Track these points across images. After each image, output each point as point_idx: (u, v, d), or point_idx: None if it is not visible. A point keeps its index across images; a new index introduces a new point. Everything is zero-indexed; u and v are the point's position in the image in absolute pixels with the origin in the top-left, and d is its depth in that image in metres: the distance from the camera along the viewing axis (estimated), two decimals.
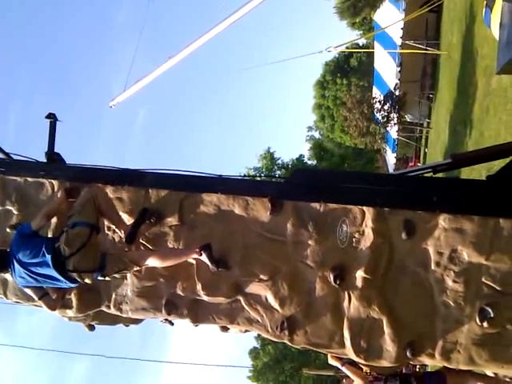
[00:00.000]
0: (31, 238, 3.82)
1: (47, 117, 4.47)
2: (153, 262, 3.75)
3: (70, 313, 4.21)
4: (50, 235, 4.03)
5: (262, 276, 3.76)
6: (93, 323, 4.44)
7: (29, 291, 4.00)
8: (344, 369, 4.37)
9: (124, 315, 4.15)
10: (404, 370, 5.02)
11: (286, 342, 3.79)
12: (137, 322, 4.47)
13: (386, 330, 3.52)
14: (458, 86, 16.81)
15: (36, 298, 4.01)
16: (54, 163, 4.37)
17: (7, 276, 4.27)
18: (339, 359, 4.25)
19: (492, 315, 3.27)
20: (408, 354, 3.48)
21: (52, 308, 4.04)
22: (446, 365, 3.57)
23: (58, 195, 4.03)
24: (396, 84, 26.15)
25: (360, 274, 3.53)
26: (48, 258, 3.65)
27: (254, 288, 3.80)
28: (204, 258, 3.62)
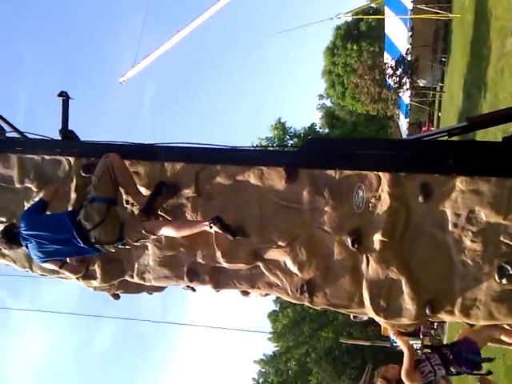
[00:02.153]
0: (45, 212, 4.02)
1: (59, 95, 4.49)
2: (167, 231, 3.86)
3: (95, 283, 4.32)
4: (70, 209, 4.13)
5: (280, 242, 3.82)
6: (117, 292, 4.56)
7: (48, 265, 4.15)
8: (398, 340, 4.63)
9: (147, 284, 4.26)
10: (422, 327, 5.22)
11: (307, 303, 3.88)
12: (160, 289, 4.59)
13: (405, 289, 3.58)
14: (471, 49, 16.47)
15: (57, 268, 4.15)
16: (68, 140, 4.42)
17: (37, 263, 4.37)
18: (399, 332, 4.42)
19: (511, 272, 3.31)
20: (427, 311, 3.55)
21: (76, 272, 4.24)
22: (466, 321, 3.64)
23: (74, 172, 4.13)
24: (408, 49, 25.65)
25: (377, 238, 3.57)
26: (72, 230, 3.82)
27: (273, 254, 3.87)
28: (216, 229, 3.69)
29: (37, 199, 4.18)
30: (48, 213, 4.09)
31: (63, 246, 3.96)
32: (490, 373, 4.80)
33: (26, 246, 4.03)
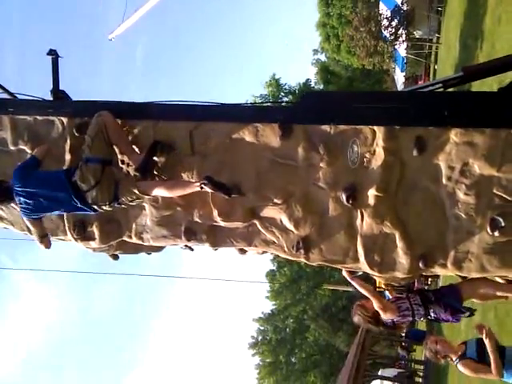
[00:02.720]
0: (38, 169, 3.99)
1: (48, 53, 4.39)
2: (161, 192, 3.88)
3: (94, 244, 4.35)
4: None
5: (275, 200, 3.85)
6: (116, 253, 4.61)
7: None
8: (354, 283, 4.49)
9: (146, 244, 4.30)
10: (416, 283, 5.23)
11: (303, 260, 3.94)
12: (158, 249, 4.63)
13: (399, 243, 3.63)
14: None
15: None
16: (60, 100, 4.36)
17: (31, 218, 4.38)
18: (350, 273, 4.35)
19: (503, 224, 3.36)
20: (421, 265, 3.61)
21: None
22: (458, 273, 3.71)
23: (68, 132, 4.10)
24: None
25: (372, 193, 3.60)
26: (69, 190, 3.85)
27: (269, 211, 3.90)
28: (208, 190, 3.69)
29: (29, 157, 4.15)
30: (43, 170, 4.07)
31: (58, 203, 3.98)
32: (471, 314, 4.77)
33: (20, 202, 4.01)
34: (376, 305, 4.62)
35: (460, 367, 4.73)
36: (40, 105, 4.29)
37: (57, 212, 4.14)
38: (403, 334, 21.26)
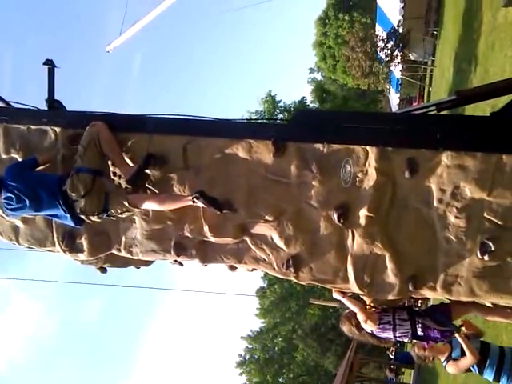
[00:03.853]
0: (33, 171, 4.00)
1: (45, 63, 4.40)
2: (151, 205, 3.88)
3: (82, 256, 4.31)
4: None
5: (267, 217, 3.83)
6: (105, 266, 4.56)
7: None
8: (345, 300, 4.51)
9: (134, 257, 4.26)
10: (406, 304, 5.21)
11: (292, 278, 3.91)
12: (147, 263, 4.59)
13: (389, 264, 3.62)
14: (463, 21, 16.37)
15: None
16: (55, 110, 4.36)
17: (18, 223, 4.36)
18: (342, 293, 4.38)
19: (493, 249, 3.35)
20: (410, 287, 3.59)
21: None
22: (447, 297, 3.70)
23: (61, 142, 4.10)
24: (399, 20, 25.47)
25: (363, 213, 3.59)
26: (59, 198, 3.85)
27: (260, 229, 3.88)
28: (199, 204, 3.69)
29: (30, 157, 4.13)
30: (38, 172, 4.06)
31: (45, 206, 3.95)
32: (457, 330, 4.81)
33: (6, 197, 3.98)
34: (359, 316, 4.64)
35: (447, 368, 4.81)
36: (34, 114, 4.29)
37: (43, 213, 4.10)
38: (392, 357, 21.18)
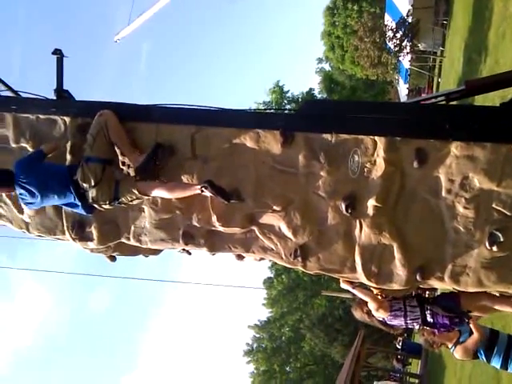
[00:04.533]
0: (43, 162, 4.05)
1: (53, 53, 4.42)
2: (160, 193, 3.91)
3: (92, 245, 4.34)
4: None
5: (275, 207, 3.84)
6: (114, 254, 4.59)
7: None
8: (355, 291, 4.56)
9: (143, 246, 4.29)
10: (415, 294, 5.22)
11: (300, 268, 3.93)
12: (156, 252, 4.62)
13: (397, 255, 3.62)
14: (473, 11, 16.19)
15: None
16: (64, 100, 4.37)
17: (29, 211, 4.40)
18: (350, 283, 4.41)
19: (501, 239, 3.35)
20: (418, 277, 3.60)
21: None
22: (455, 287, 3.70)
23: (70, 131, 4.13)
24: (409, 10, 25.18)
25: (371, 203, 3.59)
26: (70, 187, 3.92)
27: (268, 218, 3.90)
28: (208, 193, 3.70)
29: (35, 149, 4.17)
30: (47, 162, 4.11)
31: (58, 196, 4.02)
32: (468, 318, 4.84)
33: (20, 193, 4.06)
34: (370, 304, 4.68)
35: (455, 353, 4.82)
36: (43, 103, 4.32)
37: (55, 203, 4.17)
38: (399, 347, 21.21)
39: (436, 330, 4.78)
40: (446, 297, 4.78)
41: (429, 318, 4.71)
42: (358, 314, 4.99)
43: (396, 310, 4.71)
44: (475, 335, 4.59)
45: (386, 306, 4.70)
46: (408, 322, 4.76)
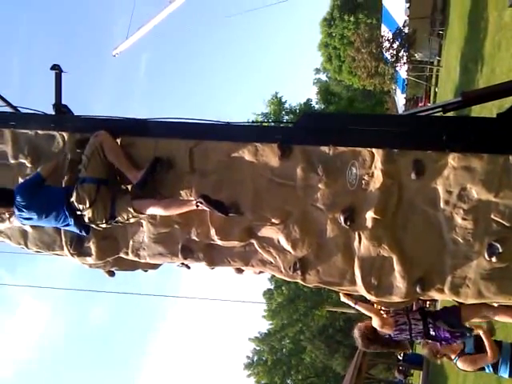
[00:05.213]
0: (42, 186, 4.06)
1: (52, 68, 4.43)
2: (156, 210, 3.91)
3: (90, 260, 4.33)
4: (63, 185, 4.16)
5: (273, 220, 3.84)
6: (112, 269, 4.58)
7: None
8: (357, 306, 4.51)
9: (142, 261, 4.28)
10: (414, 307, 5.20)
11: (299, 281, 3.91)
12: (155, 266, 4.60)
13: (396, 267, 3.61)
14: (468, 21, 16.31)
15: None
16: (62, 115, 4.38)
17: (27, 227, 4.40)
18: (351, 297, 4.38)
19: (500, 250, 3.34)
20: (418, 289, 3.59)
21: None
22: (455, 299, 3.68)
23: (68, 147, 4.14)
24: (405, 21, 25.38)
25: (370, 215, 3.59)
26: (67, 212, 3.95)
27: (267, 231, 3.89)
28: (204, 208, 3.71)
29: (33, 173, 4.18)
30: (46, 186, 4.11)
31: (55, 220, 4.05)
32: (470, 335, 4.80)
33: (20, 215, 4.10)
34: (374, 322, 4.62)
35: (459, 364, 4.80)
36: (42, 119, 4.32)
37: (54, 226, 4.19)
38: (400, 358, 21.09)
39: (438, 344, 4.75)
40: (447, 311, 4.75)
41: (431, 332, 4.68)
42: (360, 342, 4.84)
43: (401, 325, 4.67)
44: (489, 355, 4.58)
45: (390, 322, 4.65)
46: (413, 335, 4.73)
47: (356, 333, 4.84)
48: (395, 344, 4.88)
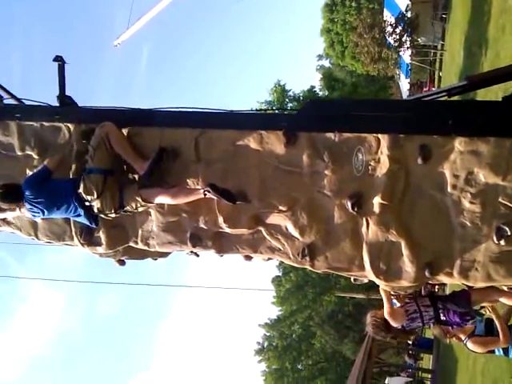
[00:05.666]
0: (50, 179, 4.10)
1: (55, 60, 4.42)
2: (164, 199, 3.95)
3: (100, 249, 4.37)
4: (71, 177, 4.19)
5: (280, 207, 3.86)
6: (123, 258, 4.62)
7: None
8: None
9: (151, 249, 4.32)
10: (423, 291, 5.20)
11: (308, 267, 3.94)
12: (164, 255, 4.64)
13: (405, 251, 3.63)
14: (472, 4, 16.16)
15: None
16: (67, 106, 4.39)
17: (37, 219, 4.43)
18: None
19: (509, 233, 3.35)
20: (427, 273, 3.61)
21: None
22: (464, 282, 3.71)
23: (74, 138, 4.16)
24: (407, 5, 25.16)
25: (377, 201, 3.60)
26: (76, 203, 3.99)
27: (274, 219, 3.91)
28: (211, 197, 3.73)
29: (40, 166, 4.21)
30: (53, 179, 4.15)
31: (65, 211, 4.09)
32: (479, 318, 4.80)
33: (29, 209, 4.14)
34: (386, 311, 4.62)
35: (469, 345, 4.81)
36: (47, 111, 4.33)
37: (64, 217, 4.23)
38: (410, 342, 21.19)
39: (450, 327, 4.76)
40: (457, 295, 4.75)
41: (442, 317, 4.69)
42: (372, 330, 4.85)
43: (411, 313, 4.67)
44: (501, 340, 4.58)
45: (401, 313, 4.65)
46: (425, 322, 4.74)
47: (367, 319, 4.86)
48: (404, 332, 4.89)
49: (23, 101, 4.63)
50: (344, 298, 38.81)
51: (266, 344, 49.08)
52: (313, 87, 50.56)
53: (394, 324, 4.68)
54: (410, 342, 21.24)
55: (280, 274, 47.75)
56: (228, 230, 4.01)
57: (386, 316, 4.62)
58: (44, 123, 4.28)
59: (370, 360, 17.04)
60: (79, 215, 4.08)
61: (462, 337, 4.82)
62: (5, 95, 4.66)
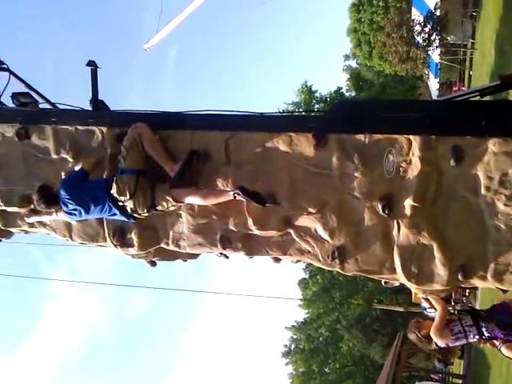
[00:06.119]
0: (86, 180, 4.19)
1: (88, 64, 4.53)
2: (194, 200, 4.00)
3: (132, 251, 4.44)
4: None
5: (310, 209, 3.86)
6: (154, 259, 4.69)
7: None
8: (429, 297, 4.45)
9: (182, 251, 4.37)
10: (454, 294, 5.12)
11: (338, 270, 3.93)
12: (194, 256, 4.69)
13: (437, 254, 3.59)
14: (503, 1, 15.81)
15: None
16: (100, 110, 4.48)
17: (72, 221, 4.54)
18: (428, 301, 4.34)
19: None
20: (460, 277, 3.56)
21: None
22: (498, 286, 3.64)
23: (108, 141, 4.24)
24: (436, 3, 24.76)
25: (408, 203, 3.57)
26: (110, 204, 4.07)
27: (304, 221, 3.91)
28: (241, 199, 3.76)
29: (76, 168, 4.31)
30: (88, 180, 4.25)
31: (100, 211, 4.18)
32: None
33: (66, 210, 4.23)
34: (435, 327, 4.54)
35: (503, 350, 4.70)
36: (81, 115, 4.43)
37: (100, 216, 4.32)
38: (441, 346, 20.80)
39: (495, 341, 4.69)
40: (498, 310, 4.67)
41: (486, 334, 4.62)
42: (413, 337, 4.81)
43: (457, 333, 4.60)
44: None
45: (447, 333, 4.56)
46: (470, 340, 4.69)
47: (410, 330, 4.83)
48: (447, 350, 4.84)
49: (57, 105, 4.75)
50: (371, 301, 38.38)
51: (292, 347, 48.96)
52: (340, 88, 50.22)
53: (438, 342, 4.64)
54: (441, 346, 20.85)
55: (306, 277, 47.57)
56: (257, 232, 4.03)
57: (433, 332, 4.58)
58: (78, 127, 4.38)
59: (399, 364, 16.85)
60: (115, 214, 4.16)
61: (497, 343, 4.72)
62: (40, 100, 4.79)
